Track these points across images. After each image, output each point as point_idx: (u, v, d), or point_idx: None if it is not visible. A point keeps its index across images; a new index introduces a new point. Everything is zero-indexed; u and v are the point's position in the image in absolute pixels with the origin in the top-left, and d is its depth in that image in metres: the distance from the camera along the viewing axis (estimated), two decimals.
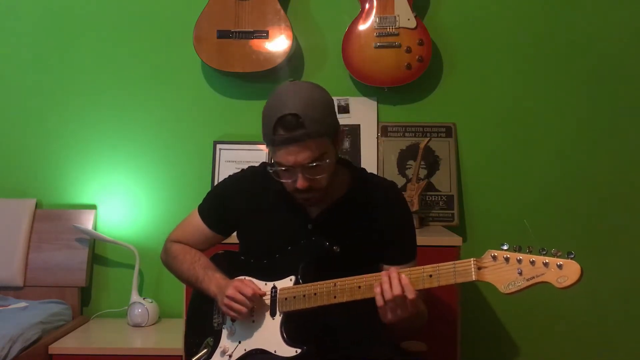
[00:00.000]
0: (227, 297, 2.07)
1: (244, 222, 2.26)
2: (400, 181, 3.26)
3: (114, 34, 3.44)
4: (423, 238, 2.82)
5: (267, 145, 2.03)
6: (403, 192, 3.10)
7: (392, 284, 1.88)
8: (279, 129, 1.94)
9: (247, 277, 2.15)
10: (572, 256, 1.65)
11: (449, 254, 2.74)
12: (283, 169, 2.00)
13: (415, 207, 3.09)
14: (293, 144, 1.94)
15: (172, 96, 3.42)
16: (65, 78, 3.45)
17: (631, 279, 3.36)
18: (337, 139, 2.08)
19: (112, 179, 3.42)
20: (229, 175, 2.37)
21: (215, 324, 2.22)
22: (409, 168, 3.29)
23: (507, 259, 1.72)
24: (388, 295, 1.87)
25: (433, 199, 3.27)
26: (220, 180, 2.45)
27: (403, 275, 1.88)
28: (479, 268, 1.76)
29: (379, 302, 1.90)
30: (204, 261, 2.27)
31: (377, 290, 1.90)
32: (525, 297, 3.15)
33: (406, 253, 2.18)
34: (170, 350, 2.86)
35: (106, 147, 3.42)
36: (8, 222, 3.29)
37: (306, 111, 1.94)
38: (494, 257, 1.74)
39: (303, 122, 1.93)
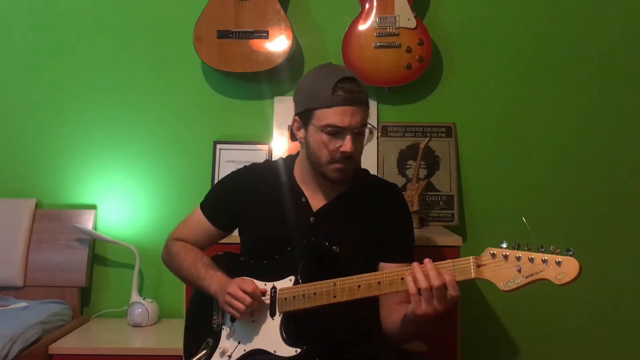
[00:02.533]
0: (229, 294, 2.07)
1: (246, 216, 2.28)
2: (400, 181, 3.26)
3: (114, 34, 3.44)
4: (423, 238, 2.84)
5: (316, 111, 2.07)
6: (403, 192, 3.11)
7: (430, 274, 1.82)
8: (339, 90, 2.04)
9: (246, 277, 2.15)
10: (571, 253, 1.65)
11: (449, 254, 2.73)
12: (334, 130, 2.05)
13: (415, 207, 3.08)
14: (352, 104, 2.04)
15: (172, 96, 3.42)
16: (66, 78, 3.45)
17: (632, 278, 3.36)
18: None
19: (112, 179, 3.41)
20: (232, 171, 2.39)
21: (215, 325, 2.23)
22: (409, 168, 3.29)
23: (506, 257, 1.72)
24: (424, 284, 1.81)
25: (433, 199, 3.27)
26: (221, 178, 2.46)
27: (446, 271, 1.82)
28: (478, 266, 1.76)
29: (412, 289, 1.83)
30: (206, 260, 2.27)
31: (409, 278, 1.84)
32: (525, 297, 3.18)
33: (404, 253, 2.19)
34: (170, 350, 2.86)
35: (106, 147, 3.42)
36: (8, 222, 3.29)
37: (360, 81, 2.11)
38: (493, 255, 1.75)
39: (360, 88, 2.08)
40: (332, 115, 2.03)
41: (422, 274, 1.83)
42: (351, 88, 2.05)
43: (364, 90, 2.10)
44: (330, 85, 2.03)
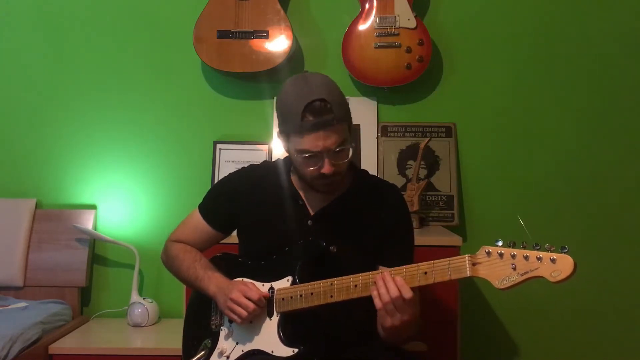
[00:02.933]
0: (231, 299, 2.07)
1: (245, 218, 2.27)
2: (400, 181, 3.26)
3: (114, 34, 3.45)
4: (423, 238, 2.83)
5: (291, 135, 2.03)
6: (403, 192, 3.11)
7: (387, 286, 1.86)
8: (308, 115, 1.97)
9: (245, 279, 2.16)
10: (566, 250, 1.65)
11: (449, 254, 2.66)
12: (309, 155, 2.01)
13: (415, 207, 3.08)
14: (322, 129, 1.97)
15: (172, 96, 3.43)
16: (66, 78, 3.45)
17: (632, 278, 3.35)
18: (351, 127, 2.12)
19: (112, 179, 3.42)
20: (229, 173, 2.38)
21: (213, 326, 2.23)
22: (409, 168, 3.29)
23: (501, 255, 1.72)
24: (385, 298, 1.86)
25: (433, 199, 3.27)
26: (219, 179, 2.46)
27: (397, 277, 1.87)
28: (474, 264, 1.76)
29: (378, 305, 1.88)
30: (204, 261, 2.27)
31: (374, 293, 1.89)
32: (525, 297, 3.20)
33: (403, 255, 2.16)
34: (170, 350, 2.86)
35: (106, 147, 3.43)
36: (8, 222, 3.29)
37: (331, 97, 2.01)
38: (488, 253, 1.74)
39: (331, 107, 1.98)
40: (305, 142, 1.99)
41: (383, 287, 1.86)
42: (320, 111, 1.97)
43: (338, 107, 2.00)
44: (298, 111, 1.97)
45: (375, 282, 1.89)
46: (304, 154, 2.02)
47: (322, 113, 1.97)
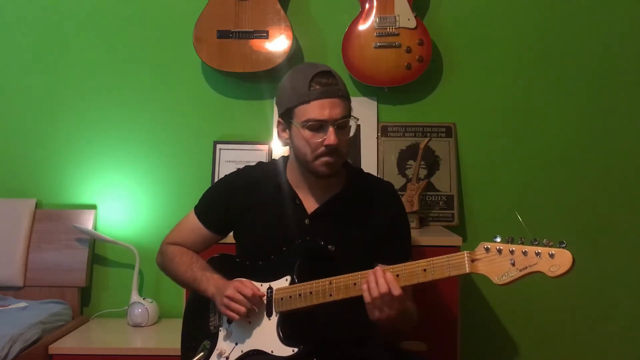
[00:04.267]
0: (227, 297, 2.07)
1: (241, 220, 2.27)
2: (400, 181, 3.26)
3: (114, 34, 3.45)
4: (423, 238, 2.83)
5: (296, 108, 2.08)
6: (403, 192, 3.11)
7: (377, 281, 1.89)
8: (315, 85, 2.05)
9: (242, 279, 2.16)
10: (564, 245, 1.66)
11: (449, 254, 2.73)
12: (314, 124, 2.05)
13: (415, 207, 3.08)
14: (329, 96, 2.05)
15: (172, 96, 3.43)
16: (65, 78, 3.45)
17: (633, 279, 3.35)
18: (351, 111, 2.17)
19: (112, 179, 3.42)
20: (225, 175, 2.39)
21: (212, 327, 2.23)
22: (409, 168, 3.29)
23: (499, 251, 1.73)
24: (374, 293, 1.89)
25: (433, 199, 3.27)
26: (215, 182, 2.46)
27: (388, 273, 1.90)
28: (473, 260, 1.77)
29: (366, 298, 1.91)
30: (202, 263, 2.28)
31: (364, 287, 1.91)
32: (526, 296, 3.20)
33: (401, 252, 2.19)
34: (170, 350, 2.85)
35: (106, 147, 3.43)
36: (8, 222, 3.29)
37: (336, 74, 2.11)
38: (487, 249, 1.75)
39: (337, 80, 2.09)
40: (311, 110, 2.04)
41: (373, 282, 1.89)
42: (327, 81, 2.06)
43: (342, 83, 2.10)
44: (306, 81, 2.04)
45: (367, 277, 1.92)
46: (309, 123, 2.05)
47: (328, 83, 2.06)
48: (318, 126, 2.05)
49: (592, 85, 3.36)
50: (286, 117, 2.13)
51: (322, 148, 2.06)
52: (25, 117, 3.47)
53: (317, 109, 2.04)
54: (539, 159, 3.36)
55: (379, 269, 1.92)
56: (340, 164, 2.15)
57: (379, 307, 1.91)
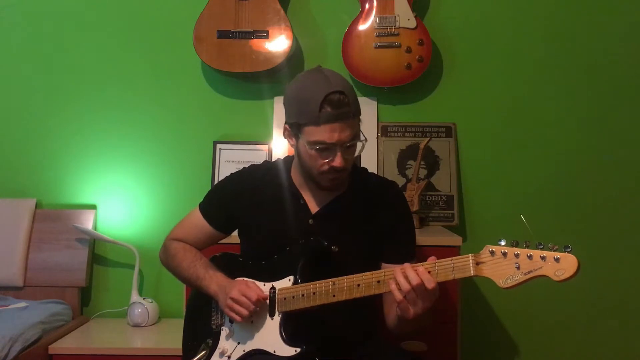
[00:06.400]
0: (231, 298, 2.07)
1: (245, 218, 2.28)
2: (400, 181, 3.26)
3: (114, 34, 3.44)
4: (423, 238, 2.82)
5: (305, 126, 2.02)
6: (403, 192, 3.11)
7: (408, 275, 1.84)
8: (326, 106, 1.98)
9: (246, 279, 2.16)
10: (569, 249, 1.65)
11: (449, 254, 2.66)
12: (322, 147, 2.02)
13: (415, 207, 3.08)
14: (339, 121, 1.99)
15: (172, 96, 3.43)
16: (66, 78, 3.45)
17: (633, 279, 3.36)
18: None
19: (112, 179, 3.42)
20: (231, 173, 2.38)
21: (214, 326, 2.23)
22: (409, 168, 3.29)
23: (504, 254, 1.73)
24: (405, 287, 1.84)
25: (433, 199, 3.27)
26: (220, 180, 2.46)
27: (420, 267, 1.85)
28: (477, 263, 1.77)
29: (398, 297, 1.87)
30: (205, 260, 2.28)
31: (393, 286, 1.87)
32: (526, 297, 3.20)
33: (406, 252, 2.18)
34: (170, 350, 2.86)
35: (106, 147, 3.43)
36: (8, 222, 3.29)
37: (348, 91, 2.03)
38: (492, 253, 1.75)
39: (349, 101, 2.00)
40: (321, 133, 2.00)
41: (402, 277, 1.85)
42: (339, 103, 1.98)
43: (353, 101, 2.03)
44: (317, 101, 1.97)
45: (394, 275, 1.87)
46: (317, 145, 2.02)
47: (340, 105, 1.99)
48: (326, 148, 2.02)
49: (592, 84, 3.36)
50: (294, 128, 2.09)
51: (328, 167, 2.05)
52: (25, 117, 3.46)
53: (327, 133, 1.99)
54: (539, 158, 3.36)
55: (407, 265, 1.87)
56: (345, 178, 2.16)
57: (412, 302, 1.86)
